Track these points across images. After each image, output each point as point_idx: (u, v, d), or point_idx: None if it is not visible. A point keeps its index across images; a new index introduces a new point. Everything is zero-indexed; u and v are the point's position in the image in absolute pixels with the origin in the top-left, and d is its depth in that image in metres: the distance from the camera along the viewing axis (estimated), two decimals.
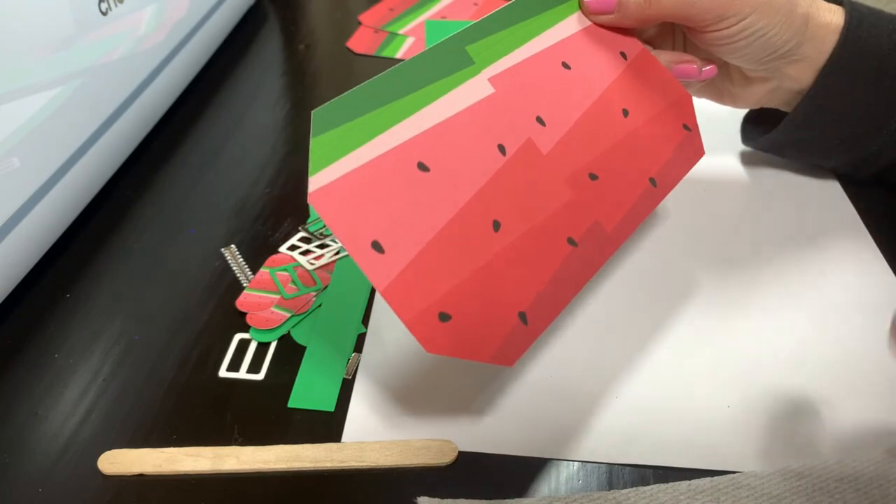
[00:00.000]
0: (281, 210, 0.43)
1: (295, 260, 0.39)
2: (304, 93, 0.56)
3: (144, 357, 0.34)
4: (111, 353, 0.35)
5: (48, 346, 0.35)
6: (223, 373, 0.33)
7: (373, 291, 0.37)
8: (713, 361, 0.34)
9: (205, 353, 0.34)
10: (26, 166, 0.35)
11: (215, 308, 0.37)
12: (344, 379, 0.33)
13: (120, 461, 0.30)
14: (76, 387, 0.33)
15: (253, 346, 0.35)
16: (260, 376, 0.33)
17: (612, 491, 0.28)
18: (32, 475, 0.29)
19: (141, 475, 0.29)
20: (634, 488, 0.28)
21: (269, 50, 0.62)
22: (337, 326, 0.36)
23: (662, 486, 0.28)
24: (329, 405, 0.32)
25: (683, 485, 0.28)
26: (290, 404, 0.32)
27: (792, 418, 0.31)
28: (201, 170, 0.47)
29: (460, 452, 0.30)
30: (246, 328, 0.35)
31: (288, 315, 0.36)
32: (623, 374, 0.33)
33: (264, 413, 0.32)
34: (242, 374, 0.33)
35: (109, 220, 0.42)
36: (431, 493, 0.28)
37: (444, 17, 0.65)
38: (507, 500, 0.28)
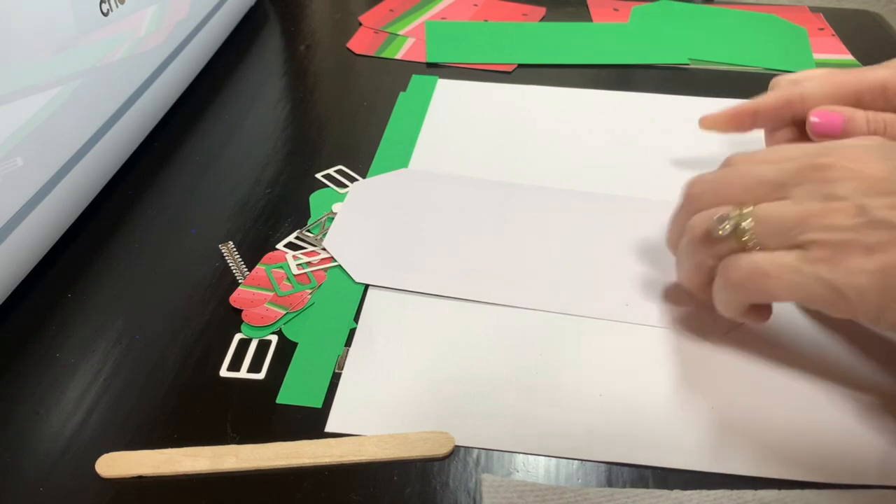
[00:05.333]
0: (282, 210, 0.43)
1: (294, 257, 0.39)
2: (305, 93, 0.56)
3: (145, 357, 0.34)
4: (112, 353, 0.35)
5: (49, 345, 0.35)
6: (224, 372, 0.33)
7: (366, 289, 0.38)
8: (713, 362, 0.34)
9: (205, 353, 0.34)
10: (28, 166, 0.35)
11: (216, 308, 0.37)
12: (336, 374, 0.33)
13: (117, 464, 0.30)
14: (77, 386, 0.33)
15: (253, 346, 0.35)
16: (261, 376, 0.33)
17: (674, 490, 0.28)
18: (33, 474, 0.29)
19: (140, 477, 0.29)
20: (698, 491, 0.28)
21: (269, 50, 0.62)
22: (328, 323, 0.36)
23: (727, 491, 0.28)
24: (317, 402, 0.32)
25: (749, 493, 0.28)
26: (279, 400, 0.32)
27: (789, 424, 0.31)
28: (202, 170, 0.47)
29: (458, 447, 0.30)
30: None
31: (283, 312, 0.36)
32: (623, 374, 0.33)
33: (266, 412, 0.32)
34: (243, 373, 0.33)
35: (111, 220, 0.43)
36: (429, 484, 0.28)
37: (444, 18, 0.65)
38: (570, 487, 0.28)
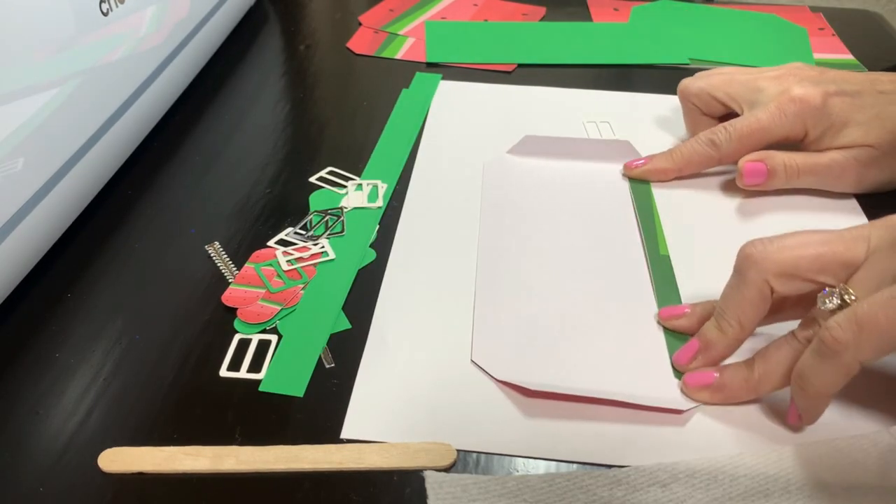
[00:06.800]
0: (282, 210, 0.43)
1: (284, 254, 0.40)
2: (305, 93, 0.56)
3: (145, 357, 0.34)
4: (112, 353, 0.35)
5: (49, 345, 0.35)
6: (224, 372, 0.33)
7: (354, 284, 0.38)
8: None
9: (205, 353, 0.34)
10: (28, 166, 0.35)
11: (216, 307, 0.37)
12: (328, 368, 0.34)
13: (120, 459, 0.30)
14: (77, 386, 0.33)
15: (253, 346, 0.35)
16: (260, 375, 0.33)
17: (611, 469, 0.29)
18: (33, 474, 0.29)
19: (141, 473, 0.29)
20: (634, 466, 0.29)
21: (269, 50, 0.62)
22: (314, 317, 0.36)
23: (662, 463, 0.29)
24: (299, 391, 0.32)
25: (682, 464, 0.29)
26: (261, 388, 0.33)
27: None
28: (202, 170, 0.47)
29: (459, 452, 0.30)
30: None
31: (278, 308, 0.36)
32: (619, 376, 0.33)
33: (265, 412, 0.32)
34: (243, 373, 0.33)
35: (110, 220, 0.43)
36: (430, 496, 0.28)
37: (444, 18, 0.65)
38: (512, 476, 0.29)
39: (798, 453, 0.29)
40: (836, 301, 0.29)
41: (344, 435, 0.31)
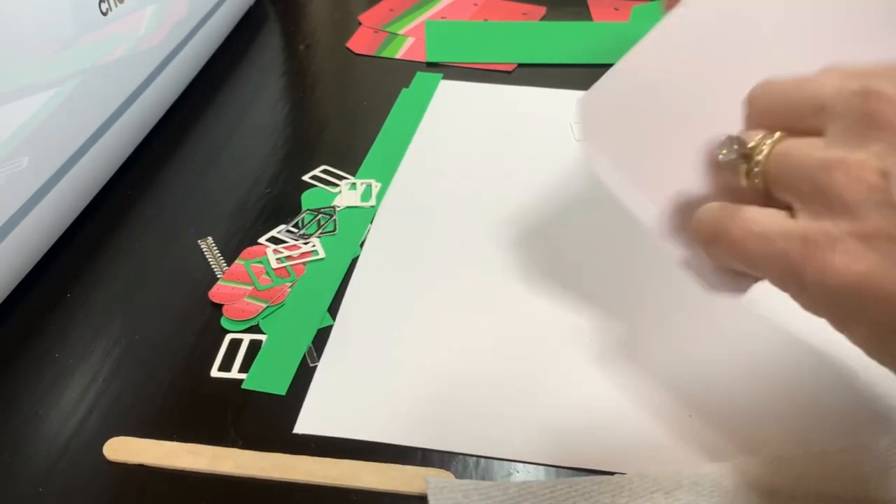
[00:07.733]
0: (281, 210, 0.43)
1: (274, 252, 0.40)
2: (305, 93, 0.56)
3: (145, 357, 0.34)
4: (112, 353, 0.35)
5: (49, 345, 0.35)
6: (223, 373, 0.33)
7: (343, 284, 0.38)
8: (697, 370, 0.33)
9: (205, 354, 0.34)
10: (27, 166, 0.35)
11: (216, 307, 0.37)
12: (307, 367, 0.34)
13: (125, 449, 0.30)
14: (77, 386, 0.33)
15: (245, 346, 0.35)
16: None
17: (614, 475, 0.29)
18: (33, 474, 0.29)
19: (142, 465, 0.30)
20: (638, 473, 0.28)
21: (269, 50, 0.62)
22: (300, 315, 0.36)
23: (666, 470, 0.29)
24: (281, 389, 0.33)
25: (686, 471, 0.29)
26: (244, 386, 0.33)
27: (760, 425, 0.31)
28: (202, 169, 0.47)
29: (458, 454, 0.30)
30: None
31: (263, 306, 0.36)
32: (613, 382, 0.33)
33: (263, 413, 0.32)
34: (234, 374, 0.33)
35: (110, 220, 0.43)
36: None
37: (444, 17, 0.65)
38: (514, 482, 0.28)
39: (804, 462, 0.29)
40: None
41: (297, 430, 0.31)
